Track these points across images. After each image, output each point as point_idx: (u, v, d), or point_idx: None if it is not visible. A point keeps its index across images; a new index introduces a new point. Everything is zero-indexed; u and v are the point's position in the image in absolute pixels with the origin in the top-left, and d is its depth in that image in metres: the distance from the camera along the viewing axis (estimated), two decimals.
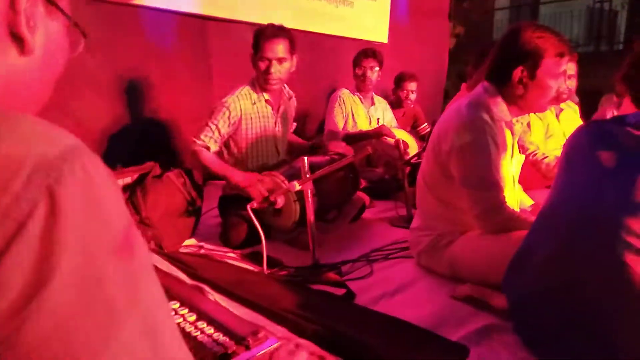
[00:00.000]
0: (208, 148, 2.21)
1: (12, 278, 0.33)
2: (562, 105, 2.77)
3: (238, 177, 2.12)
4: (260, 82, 2.30)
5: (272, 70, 2.23)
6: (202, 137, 2.20)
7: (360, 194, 2.50)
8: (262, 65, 2.24)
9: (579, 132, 1.26)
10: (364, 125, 3.34)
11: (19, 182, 0.34)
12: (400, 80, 3.85)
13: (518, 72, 1.63)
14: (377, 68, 3.31)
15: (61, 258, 0.34)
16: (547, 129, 2.71)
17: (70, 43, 0.54)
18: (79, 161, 0.37)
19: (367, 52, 3.33)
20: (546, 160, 2.36)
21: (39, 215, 0.34)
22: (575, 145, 1.25)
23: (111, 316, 0.36)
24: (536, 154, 2.39)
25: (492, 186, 1.60)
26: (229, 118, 2.23)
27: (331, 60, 4.26)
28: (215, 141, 2.23)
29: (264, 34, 2.23)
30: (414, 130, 3.93)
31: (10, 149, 0.35)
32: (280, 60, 2.24)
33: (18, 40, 0.46)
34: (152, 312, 0.39)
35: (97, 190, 0.38)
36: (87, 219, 0.36)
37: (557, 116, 2.77)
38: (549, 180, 2.20)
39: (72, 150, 0.38)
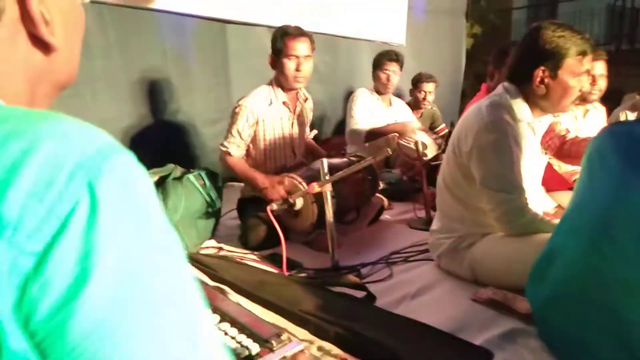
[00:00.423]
0: (230, 153, 2.25)
1: (57, 274, 0.33)
2: (589, 106, 2.73)
3: (259, 179, 2.17)
4: (290, 81, 2.28)
5: (302, 67, 2.23)
6: (225, 143, 2.27)
7: (378, 195, 2.49)
8: (291, 64, 2.23)
9: (602, 133, 1.24)
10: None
11: (62, 180, 0.35)
12: (417, 82, 3.82)
13: (539, 72, 1.60)
14: (400, 71, 3.32)
15: (103, 254, 0.35)
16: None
17: None
18: (117, 158, 0.38)
19: (390, 55, 3.30)
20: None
21: (81, 212, 0.34)
22: (600, 147, 1.22)
23: (152, 311, 0.36)
24: (567, 135, 2.37)
25: (514, 188, 1.58)
26: (247, 120, 2.24)
27: (348, 62, 4.26)
28: (238, 145, 2.26)
29: (289, 33, 2.24)
30: (431, 131, 3.91)
31: (53, 147, 0.36)
32: (307, 58, 2.25)
33: (41, 43, 0.46)
34: (191, 306, 0.40)
35: (134, 186, 0.39)
36: (126, 215, 0.37)
37: (583, 117, 2.73)
38: (572, 180, 2.17)
39: (109, 147, 0.38)
